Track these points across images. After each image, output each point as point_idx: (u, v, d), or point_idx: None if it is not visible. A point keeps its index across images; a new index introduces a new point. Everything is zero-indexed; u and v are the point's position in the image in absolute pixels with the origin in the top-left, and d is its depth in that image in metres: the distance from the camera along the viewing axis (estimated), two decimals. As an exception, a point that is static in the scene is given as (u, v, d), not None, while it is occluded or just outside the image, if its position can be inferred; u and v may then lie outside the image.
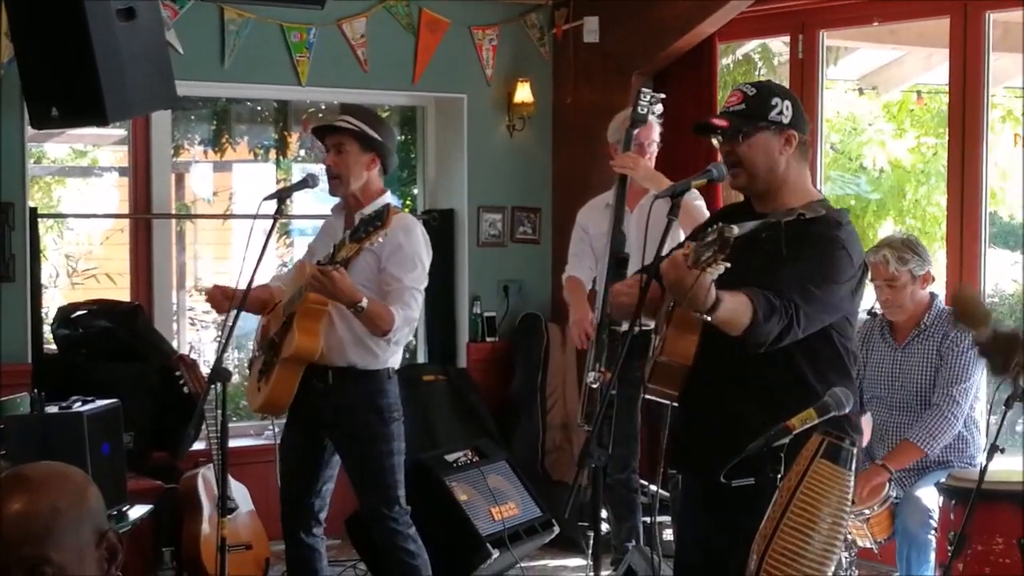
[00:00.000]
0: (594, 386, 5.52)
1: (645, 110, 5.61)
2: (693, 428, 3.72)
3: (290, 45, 6.92)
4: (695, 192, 5.65)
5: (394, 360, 5.03)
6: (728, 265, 3.05)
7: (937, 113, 9.62)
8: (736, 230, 3.01)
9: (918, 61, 9.04)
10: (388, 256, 4.84)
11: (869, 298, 5.32)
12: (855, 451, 3.07)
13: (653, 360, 3.60)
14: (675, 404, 3.71)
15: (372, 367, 4.95)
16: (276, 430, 5.67)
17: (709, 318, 3.25)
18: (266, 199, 4.80)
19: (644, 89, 5.70)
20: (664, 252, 3.42)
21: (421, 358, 7.62)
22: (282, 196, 4.86)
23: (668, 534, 6.36)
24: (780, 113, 3.59)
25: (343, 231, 4.90)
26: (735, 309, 3.27)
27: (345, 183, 4.95)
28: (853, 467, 3.06)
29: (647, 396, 3.74)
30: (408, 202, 8.04)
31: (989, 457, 4.34)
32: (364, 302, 4.67)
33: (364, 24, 7.10)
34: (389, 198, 5.05)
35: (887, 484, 5.21)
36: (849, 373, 3.66)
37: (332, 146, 4.97)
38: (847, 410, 3.19)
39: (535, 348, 7.47)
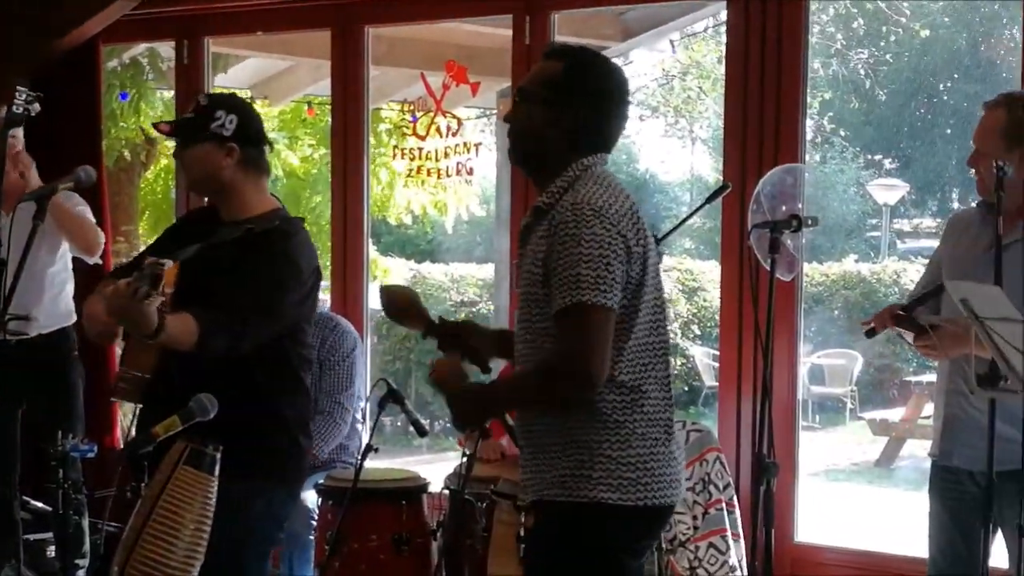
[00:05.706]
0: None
1: (21, 109, 5.38)
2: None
3: None
4: (78, 198, 5.53)
5: None
6: (163, 299, 3.18)
7: (328, 124, 9.90)
8: (169, 264, 3.15)
9: (308, 72, 9.27)
10: None
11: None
12: (219, 456, 3.10)
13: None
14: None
15: None
16: None
17: (153, 340, 3.31)
18: None
19: (20, 88, 5.47)
20: None
21: None
22: None
23: (51, 551, 6.14)
24: (222, 126, 3.67)
25: None
26: (180, 329, 3.35)
27: None
28: (216, 472, 3.09)
29: (114, 399, 3.75)
30: None
31: (363, 457, 4.50)
32: None
33: None
34: None
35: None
36: (302, 379, 3.77)
37: None
38: (211, 415, 3.22)
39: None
